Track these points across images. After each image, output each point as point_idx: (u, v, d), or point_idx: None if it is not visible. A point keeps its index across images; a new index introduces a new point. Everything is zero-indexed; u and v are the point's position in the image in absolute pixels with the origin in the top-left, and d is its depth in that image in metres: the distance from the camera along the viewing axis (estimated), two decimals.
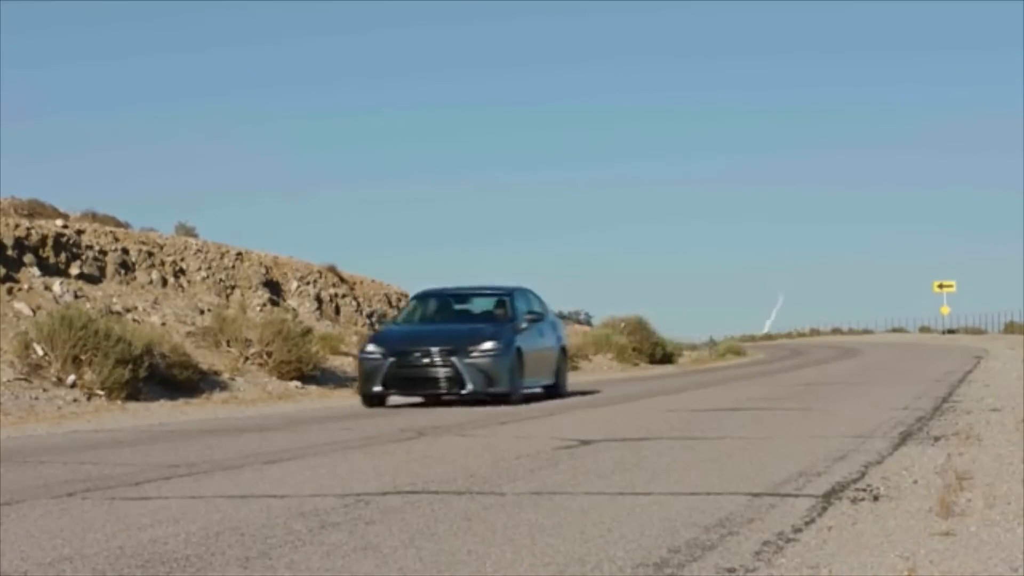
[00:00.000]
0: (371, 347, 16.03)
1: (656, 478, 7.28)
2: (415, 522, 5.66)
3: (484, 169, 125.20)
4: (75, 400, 15.81)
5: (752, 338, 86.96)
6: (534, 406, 15.30)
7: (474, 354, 15.51)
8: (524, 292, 17.76)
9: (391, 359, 15.53)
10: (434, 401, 16.18)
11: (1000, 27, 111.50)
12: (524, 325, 16.69)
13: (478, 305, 17.63)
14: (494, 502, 6.33)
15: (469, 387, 15.45)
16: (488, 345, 15.63)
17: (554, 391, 17.39)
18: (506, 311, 16.86)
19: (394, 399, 16.15)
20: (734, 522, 5.48)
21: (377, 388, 15.63)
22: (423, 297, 17.77)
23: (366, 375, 15.78)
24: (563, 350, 18.20)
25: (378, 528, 5.52)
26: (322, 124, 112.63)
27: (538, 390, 17.05)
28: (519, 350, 16.02)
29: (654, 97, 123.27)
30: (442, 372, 15.53)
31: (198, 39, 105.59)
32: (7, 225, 20.26)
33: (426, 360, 15.53)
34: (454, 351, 15.51)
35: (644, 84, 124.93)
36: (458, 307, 17.44)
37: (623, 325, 39.48)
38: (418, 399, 16.34)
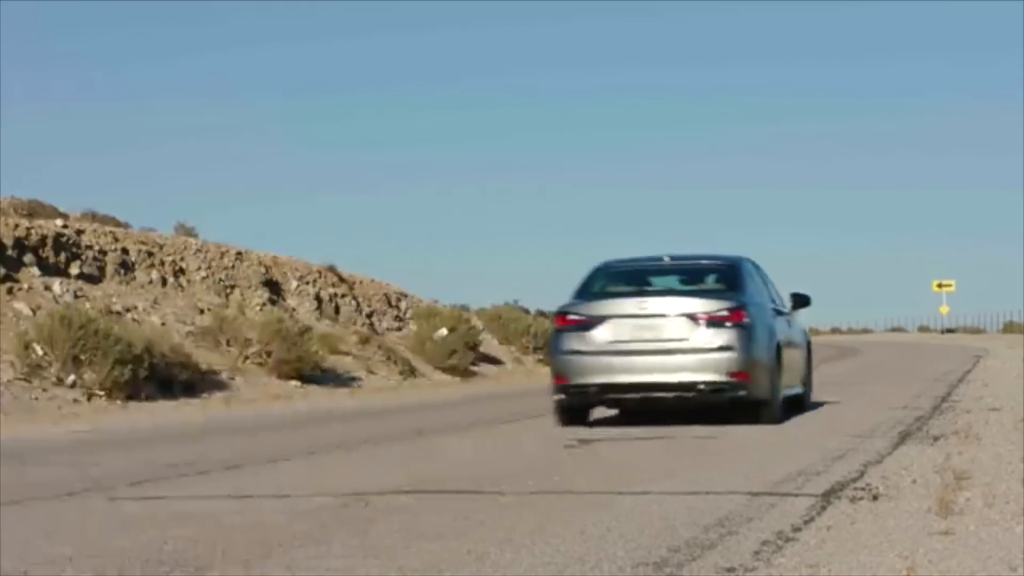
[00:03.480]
0: None
1: (655, 477, 7.28)
2: (415, 522, 5.67)
3: (484, 170, 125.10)
4: (75, 400, 15.80)
5: None
6: (538, 403, 15.30)
7: None
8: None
9: None
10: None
11: (999, 28, 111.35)
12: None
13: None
14: (494, 502, 6.34)
15: None
16: None
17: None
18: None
19: None
20: (733, 521, 5.48)
21: None
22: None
23: None
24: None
25: (378, 528, 5.52)
26: (323, 126, 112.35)
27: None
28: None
29: (652, 99, 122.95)
30: None
31: (199, 41, 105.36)
32: (7, 225, 20.25)
33: None
34: None
35: (643, 87, 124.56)
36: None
37: None
38: None
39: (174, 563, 4.76)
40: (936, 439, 9.28)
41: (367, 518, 5.81)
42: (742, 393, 11.11)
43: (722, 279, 12.14)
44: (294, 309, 26.37)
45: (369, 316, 29.37)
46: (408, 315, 31.01)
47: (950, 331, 70.10)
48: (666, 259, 12.60)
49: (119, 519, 5.94)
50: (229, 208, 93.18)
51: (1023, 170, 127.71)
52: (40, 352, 16.34)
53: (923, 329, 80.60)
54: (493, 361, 30.14)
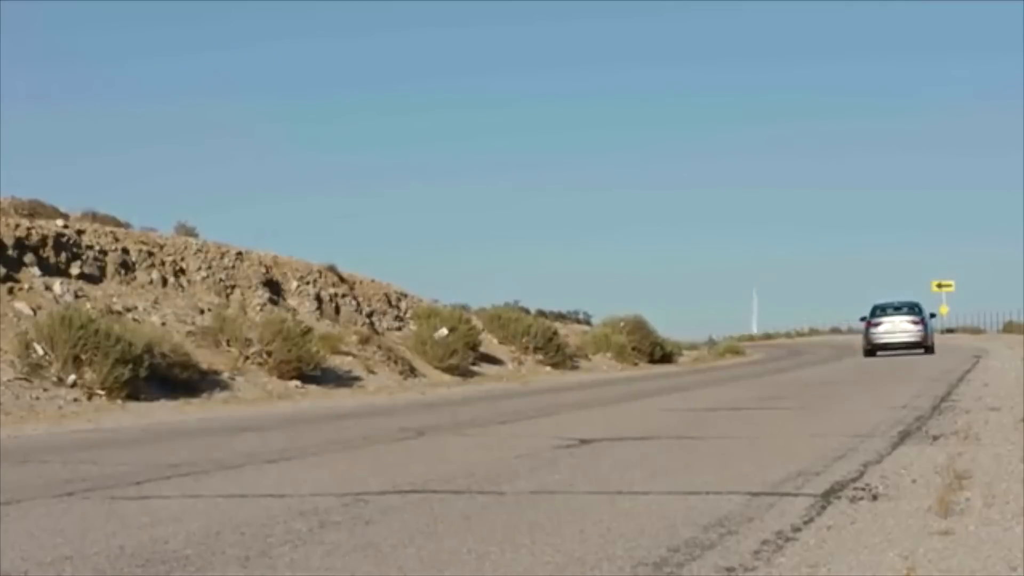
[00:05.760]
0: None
1: (655, 477, 7.29)
2: (415, 522, 5.67)
3: (484, 170, 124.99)
4: (75, 400, 15.81)
5: (751, 338, 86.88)
6: (537, 403, 15.36)
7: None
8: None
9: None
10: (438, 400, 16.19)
11: (999, 28, 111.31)
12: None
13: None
14: (494, 502, 6.34)
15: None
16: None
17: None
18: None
19: None
20: (733, 521, 5.48)
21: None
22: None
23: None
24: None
25: (378, 527, 5.53)
26: (322, 126, 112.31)
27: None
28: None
29: (652, 99, 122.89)
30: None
31: (199, 40, 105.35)
32: (7, 225, 20.26)
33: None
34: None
35: (643, 87, 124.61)
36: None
37: (622, 325, 39.50)
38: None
39: (174, 563, 4.77)
40: (936, 439, 9.29)
41: (367, 518, 5.81)
42: (925, 345, 35.50)
43: (913, 308, 36.75)
44: (294, 309, 26.37)
45: (369, 316, 29.37)
46: (408, 315, 31.02)
47: (950, 331, 70.02)
48: (895, 301, 37.14)
49: (119, 519, 5.95)
50: (229, 208, 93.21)
51: (1023, 170, 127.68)
52: (40, 352, 16.36)
53: None
54: (493, 361, 30.16)
